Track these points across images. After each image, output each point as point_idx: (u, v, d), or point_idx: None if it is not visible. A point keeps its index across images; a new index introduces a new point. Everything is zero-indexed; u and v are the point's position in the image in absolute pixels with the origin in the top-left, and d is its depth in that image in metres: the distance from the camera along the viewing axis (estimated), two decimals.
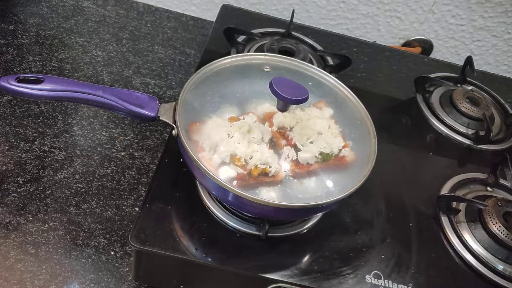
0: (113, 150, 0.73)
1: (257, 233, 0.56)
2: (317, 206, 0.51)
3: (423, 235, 0.61)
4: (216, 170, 0.51)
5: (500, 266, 0.58)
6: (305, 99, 0.50)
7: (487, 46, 0.99)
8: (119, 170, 0.70)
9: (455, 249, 0.60)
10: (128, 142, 0.74)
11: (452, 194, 0.65)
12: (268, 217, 0.55)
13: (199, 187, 0.59)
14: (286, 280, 0.53)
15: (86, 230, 0.63)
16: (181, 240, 0.54)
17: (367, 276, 0.55)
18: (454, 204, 0.63)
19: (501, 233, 0.59)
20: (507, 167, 0.70)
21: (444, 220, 0.62)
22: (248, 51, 0.79)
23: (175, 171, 0.60)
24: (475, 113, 0.76)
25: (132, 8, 0.97)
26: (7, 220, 0.62)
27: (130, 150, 0.73)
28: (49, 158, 0.69)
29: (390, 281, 0.55)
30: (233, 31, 0.79)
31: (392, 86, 0.83)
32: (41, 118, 0.74)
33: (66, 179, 0.68)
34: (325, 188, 0.53)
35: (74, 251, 0.61)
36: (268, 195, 0.51)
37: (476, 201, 0.61)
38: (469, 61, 0.85)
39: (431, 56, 1.01)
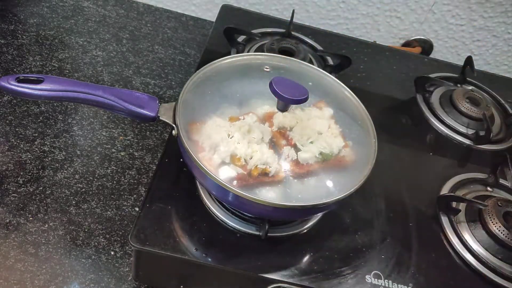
0: (113, 150, 0.73)
1: (257, 233, 0.56)
2: (317, 206, 0.51)
3: (423, 235, 0.61)
4: (216, 170, 0.51)
5: (500, 266, 0.58)
6: (305, 99, 0.50)
7: (487, 46, 0.99)
8: (119, 170, 0.70)
9: (455, 249, 0.60)
10: (128, 142, 0.74)
11: (452, 194, 0.65)
12: (268, 217, 0.55)
13: (199, 187, 0.59)
14: (286, 280, 0.53)
15: (86, 230, 0.63)
16: (181, 240, 0.54)
17: (367, 276, 0.55)
18: (454, 204, 0.63)
19: (501, 233, 0.59)
20: (507, 167, 0.70)
21: (444, 220, 0.62)
22: (248, 51, 0.79)
23: (175, 171, 0.60)
24: (475, 113, 0.76)
25: (132, 8, 0.97)
26: (7, 220, 0.62)
27: (130, 150, 0.73)
28: (49, 158, 0.69)
29: (390, 281, 0.55)
30: (233, 31, 0.79)
31: (392, 86, 0.83)
32: (41, 118, 0.74)
33: (66, 179, 0.68)
34: (325, 188, 0.53)
35: (74, 251, 0.61)
36: (268, 195, 0.51)
37: (476, 201, 0.61)
38: (469, 61, 0.85)
39: (431, 56, 1.01)
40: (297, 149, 0.54)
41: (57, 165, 0.69)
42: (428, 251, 0.59)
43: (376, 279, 0.55)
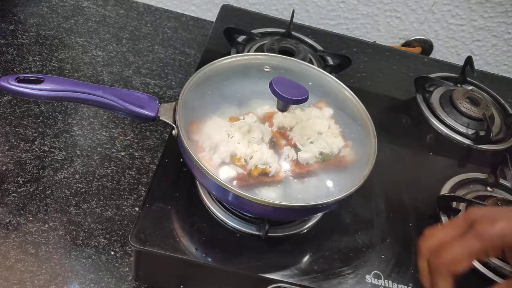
0: (113, 150, 0.73)
1: (257, 233, 0.56)
2: (317, 206, 0.51)
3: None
4: (216, 170, 0.51)
5: (500, 266, 0.58)
6: (305, 99, 0.50)
7: (487, 46, 0.99)
8: (119, 170, 0.70)
9: None
10: (128, 142, 0.74)
11: (452, 194, 0.65)
12: (268, 217, 0.55)
13: (199, 187, 0.59)
14: (286, 280, 0.53)
15: (86, 230, 0.63)
16: (181, 240, 0.54)
17: (367, 276, 0.55)
18: (454, 204, 0.63)
19: None
20: (507, 167, 0.70)
21: (444, 220, 0.62)
22: (248, 51, 0.79)
23: (175, 171, 0.60)
24: (475, 113, 0.77)
25: (132, 8, 0.97)
26: (7, 220, 0.62)
27: (130, 150, 0.73)
28: (49, 158, 0.69)
29: (390, 281, 0.55)
30: (233, 31, 0.79)
31: (392, 86, 0.84)
32: (41, 118, 0.74)
33: (66, 179, 0.68)
34: (325, 188, 0.53)
35: (74, 251, 0.61)
36: (268, 195, 0.51)
37: (476, 201, 0.61)
38: (469, 61, 0.85)
39: (431, 56, 1.01)
40: (297, 149, 0.54)
41: (57, 165, 0.69)
42: None
43: (376, 279, 0.55)
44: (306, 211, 0.54)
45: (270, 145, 0.54)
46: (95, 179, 0.69)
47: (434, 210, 0.64)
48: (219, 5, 0.90)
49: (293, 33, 0.84)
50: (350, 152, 0.56)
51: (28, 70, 0.80)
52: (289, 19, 0.85)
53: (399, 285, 0.55)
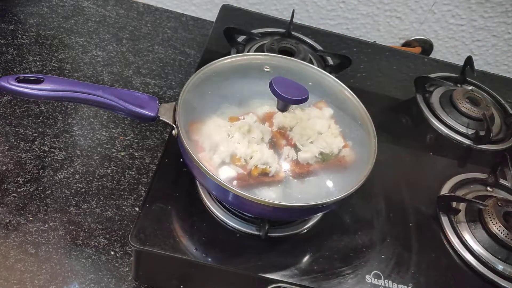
0: (113, 150, 0.73)
1: (257, 233, 0.56)
2: (317, 206, 0.51)
3: (423, 235, 0.61)
4: (216, 170, 0.51)
5: (500, 266, 0.58)
6: (305, 99, 0.50)
7: (487, 46, 0.99)
8: (119, 170, 0.70)
9: (455, 249, 0.60)
10: (128, 142, 0.74)
11: (452, 194, 0.65)
12: (268, 217, 0.55)
13: (199, 187, 0.59)
14: (286, 280, 0.53)
15: (86, 230, 0.63)
16: (181, 240, 0.54)
17: (367, 276, 0.55)
18: (454, 204, 0.63)
19: (501, 233, 0.59)
20: (507, 167, 0.70)
21: (444, 220, 0.62)
22: (248, 51, 0.79)
23: (175, 171, 0.60)
24: (475, 113, 0.76)
25: (132, 8, 0.97)
26: (7, 220, 0.62)
27: (130, 150, 0.73)
28: (49, 158, 0.69)
29: (390, 281, 0.55)
30: (233, 31, 0.79)
31: (392, 86, 0.83)
32: (41, 118, 0.74)
33: (66, 179, 0.68)
34: (325, 188, 0.53)
35: (74, 251, 0.61)
36: (268, 195, 0.51)
37: (476, 201, 0.61)
38: (469, 61, 0.85)
39: (431, 56, 1.01)
40: (297, 149, 0.54)
41: (57, 165, 0.69)
42: (428, 251, 0.59)
43: (376, 279, 0.55)
44: (306, 211, 0.54)
45: (270, 145, 0.54)
46: (95, 179, 0.69)
47: (434, 210, 0.64)
48: (219, 5, 0.90)
49: (293, 33, 0.85)
50: (350, 152, 0.56)
51: (28, 70, 0.80)
52: (289, 19, 0.85)
53: (399, 285, 0.55)
